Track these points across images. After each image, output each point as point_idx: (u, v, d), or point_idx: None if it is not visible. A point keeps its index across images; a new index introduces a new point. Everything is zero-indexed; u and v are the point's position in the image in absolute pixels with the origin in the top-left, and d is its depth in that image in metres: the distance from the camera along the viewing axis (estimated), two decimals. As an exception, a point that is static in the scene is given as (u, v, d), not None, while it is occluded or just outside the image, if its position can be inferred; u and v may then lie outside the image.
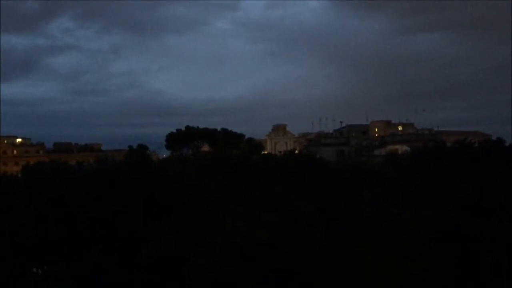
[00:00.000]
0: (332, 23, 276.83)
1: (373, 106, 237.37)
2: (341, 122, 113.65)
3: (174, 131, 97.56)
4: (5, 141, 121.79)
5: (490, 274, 19.63)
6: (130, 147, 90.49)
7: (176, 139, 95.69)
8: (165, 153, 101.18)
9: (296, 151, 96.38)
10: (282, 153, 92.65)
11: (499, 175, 36.98)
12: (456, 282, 19.58)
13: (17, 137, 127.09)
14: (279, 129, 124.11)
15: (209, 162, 52.02)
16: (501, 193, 28.08)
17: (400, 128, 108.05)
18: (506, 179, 34.52)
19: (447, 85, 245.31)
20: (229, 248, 20.17)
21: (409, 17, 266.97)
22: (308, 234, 21.24)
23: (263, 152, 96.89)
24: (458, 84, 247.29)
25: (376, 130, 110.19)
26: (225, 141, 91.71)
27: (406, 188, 33.28)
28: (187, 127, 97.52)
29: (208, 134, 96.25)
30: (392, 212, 23.48)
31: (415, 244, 20.57)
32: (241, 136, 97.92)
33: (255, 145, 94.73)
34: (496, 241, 21.04)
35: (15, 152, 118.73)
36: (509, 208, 25.21)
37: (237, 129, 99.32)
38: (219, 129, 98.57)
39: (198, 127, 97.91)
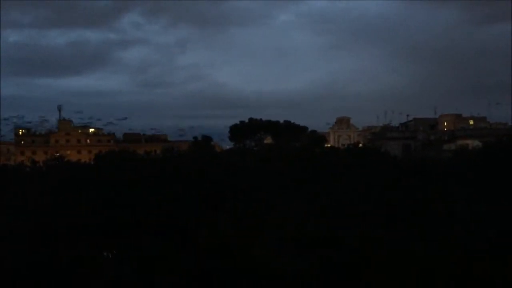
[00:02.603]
0: (398, 13, 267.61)
1: (442, 99, 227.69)
2: (407, 115, 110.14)
3: (238, 123, 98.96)
4: (79, 131, 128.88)
5: None
6: (195, 138, 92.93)
7: (239, 131, 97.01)
8: (228, 145, 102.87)
9: (360, 145, 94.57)
10: (346, 146, 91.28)
11: None
12: None
13: (90, 127, 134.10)
14: (342, 122, 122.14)
15: (271, 154, 52.23)
16: None
17: (471, 122, 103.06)
18: None
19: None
20: (289, 240, 20.24)
21: (481, 7, 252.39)
22: (369, 229, 20.84)
23: (326, 145, 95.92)
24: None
25: (446, 124, 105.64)
26: (287, 134, 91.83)
27: (476, 185, 31.71)
28: (250, 119, 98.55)
29: (270, 126, 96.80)
30: (459, 211, 22.50)
31: (483, 244, 19.61)
32: (304, 128, 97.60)
33: (317, 138, 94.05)
34: None
35: (88, 141, 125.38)
36: None
37: (300, 121, 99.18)
38: (281, 121, 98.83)
39: (261, 119, 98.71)
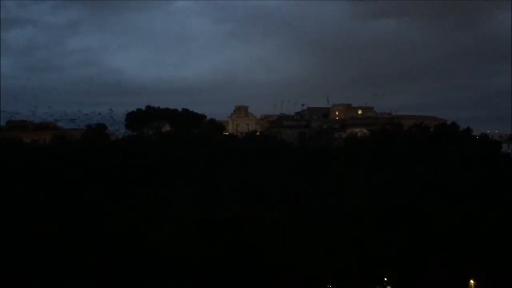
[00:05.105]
0: (293, 6, 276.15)
1: (334, 89, 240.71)
2: (302, 104, 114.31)
3: (134, 110, 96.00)
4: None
5: (438, 242, 20.74)
6: (89, 126, 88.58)
7: (136, 119, 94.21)
8: (124, 133, 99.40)
9: (257, 133, 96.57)
10: (244, 134, 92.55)
11: (449, 156, 38.57)
12: (411, 250, 20.52)
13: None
14: (240, 111, 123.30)
15: (170, 142, 51.55)
16: (451, 172, 29.44)
17: (360, 111, 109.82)
18: (455, 159, 36.04)
19: (406, 70, 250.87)
20: (190, 224, 20.26)
21: (370, 3, 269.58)
22: (268, 211, 21.61)
23: (224, 133, 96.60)
24: (416, 69, 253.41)
25: (337, 113, 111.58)
26: (186, 122, 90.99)
27: (364, 167, 34.18)
28: (148, 106, 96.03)
29: (169, 114, 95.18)
30: (352, 190, 24.24)
31: (373, 218, 21.44)
32: (203, 116, 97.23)
33: (216, 126, 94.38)
34: (447, 214, 22.16)
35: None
36: (456, 185, 26.60)
37: (199, 109, 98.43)
38: (180, 109, 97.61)
39: (159, 107, 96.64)
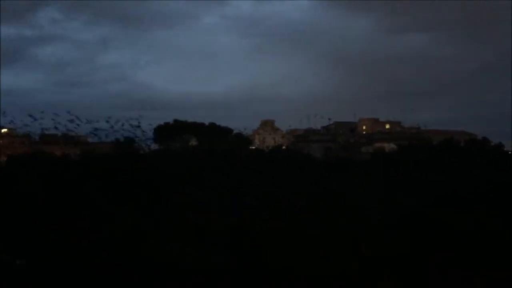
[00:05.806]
0: (320, 21, 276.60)
1: (361, 104, 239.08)
2: (329, 119, 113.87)
3: (162, 124, 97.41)
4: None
5: (440, 245, 20.14)
6: (117, 139, 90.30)
7: (164, 133, 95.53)
8: (153, 147, 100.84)
9: (284, 147, 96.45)
10: (270, 148, 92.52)
11: (479, 170, 37.49)
12: (412, 252, 19.99)
13: (2, 127, 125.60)
14: (267, 125, 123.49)
15: (194, 155, 51.91)
16: (477, 186, 28.64)
17: (387, 126, 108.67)
18: (484, 174, 35.05)
19: (434, 85, 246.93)
20: (195, 228, 20.18)
21: (397, 17, 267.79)
22: (277, 220, 21.40)
23: (251, 147, 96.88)
24: (445, 84, 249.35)
25: (364, 127, 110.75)
26: (212, 136, 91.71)
27: (387, 181, 33.53)
28: (175, 120, 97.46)
29: (196, 128, 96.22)
30: (369, 202, 23.82)
31: (374, 219, 21.06)
32: (229, 130, 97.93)
33: (243, 140, 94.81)
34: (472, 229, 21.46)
35: (0, 142, 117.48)
36: (481, 200, 25.86)
37: (225, 123, 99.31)
38: (207, 123, 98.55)
39: (186, 121, 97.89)
